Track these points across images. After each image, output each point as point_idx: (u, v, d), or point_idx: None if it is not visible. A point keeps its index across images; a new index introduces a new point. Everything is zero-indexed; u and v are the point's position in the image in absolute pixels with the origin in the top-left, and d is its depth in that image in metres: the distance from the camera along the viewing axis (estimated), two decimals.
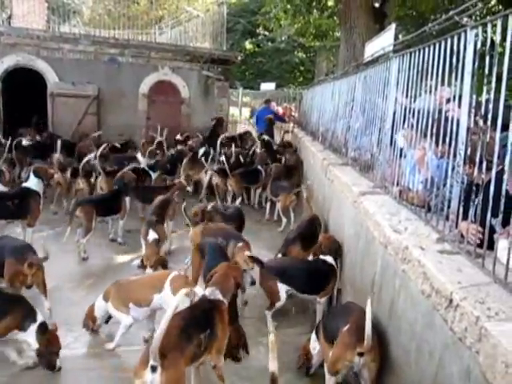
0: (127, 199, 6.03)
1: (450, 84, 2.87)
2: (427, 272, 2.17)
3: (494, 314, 1.72)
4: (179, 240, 5.99)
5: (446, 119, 2.72)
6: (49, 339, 3.17)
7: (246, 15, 23.37)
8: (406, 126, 3.53)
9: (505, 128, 2.10)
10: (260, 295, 4.18)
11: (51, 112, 11.05)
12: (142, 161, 8.01)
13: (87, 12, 22.42)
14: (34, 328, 3.13)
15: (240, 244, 4.29)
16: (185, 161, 8.15)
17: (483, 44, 2.33)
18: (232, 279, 3.00)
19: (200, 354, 2.63)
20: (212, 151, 8.97)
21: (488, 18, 2.29)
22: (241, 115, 18.40)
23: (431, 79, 3.00)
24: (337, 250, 4.14)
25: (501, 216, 2.04)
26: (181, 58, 12.03)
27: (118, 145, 9.48)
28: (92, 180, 7.07)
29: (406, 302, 2.46)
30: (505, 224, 2.10)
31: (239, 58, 13.69)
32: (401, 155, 3.67)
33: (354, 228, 3.78)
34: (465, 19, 2.50)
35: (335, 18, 13.03)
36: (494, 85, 2.13)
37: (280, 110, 13.41)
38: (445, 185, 2.79)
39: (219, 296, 2.84)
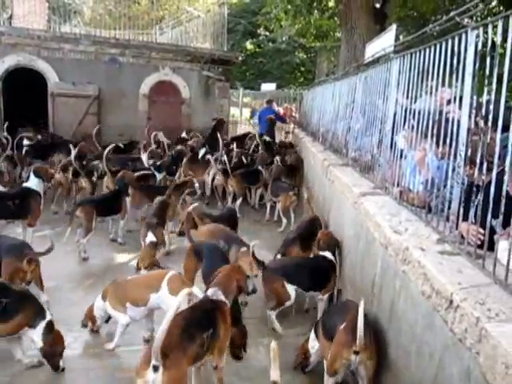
0: (127, 199, 6.03)
1: (450, 85, 2.87)
2: (427, 273, 2.17)
3: (494, 315, 1.72)
4: (179, 240, 5.99)
5: (447, 120, 2.72)
6: (53, 338, 3.17)
7: (246, 16, 23.37)
8: (406, 126, 3.53)
9: (505, 129, 2.11)
10: (260, 296, 4.17)
11: (52, 112, 11.07)
12: (147, 162, 8.00)
13: (88, 12, 22.41)
14: (42, 325, 3.12)
15: (244, 249, 4.27)
16: (184, 161, 8.16)
17: (484, 45, 2.32)
18: (235, 281, 2.99)
19: (203, 353, 2.62)
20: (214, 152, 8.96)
21: (489, 18, 2.29)
22: (241, 116, 18.40)
23: (432, 80, 3.00)
24: (335, 245, 4.19)
25: (501, 217, 2.04)
26: (181, 58, 12.04)
27: (121, 145, 9.46)
28: (94, 180, 7.08)
29: (407, 303, 2.46)
30: (505, 225, 2.10)
31: (240, 59, 13.71)
32: (401, 156, 3.67)
33: (355, 229, 3.78)
34: (466, 20, 2.50)
35: (336, 18, 13.03)
36: (494, 86, 2.13)
37: (281, 111, 13.42)
38: (445, 186, 2.79)
39: (221, 297, 2.84)
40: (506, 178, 2.04)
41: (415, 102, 3.43)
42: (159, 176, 7.49)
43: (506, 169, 2.05)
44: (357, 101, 5.26)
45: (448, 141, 2.66)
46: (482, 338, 1.66)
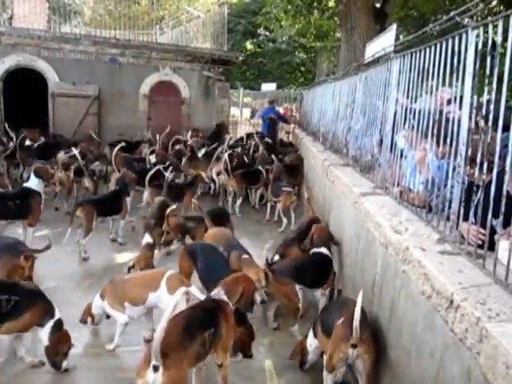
0: (128, 199, 6.03)
1: (450, 85, 2.87)
2: (428, 273, 2.17)
3: (494, 315, 1.72)
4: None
5: (447, 120, 2.72)
6: (59, 338, 3.15)
7: (246, 16, 23.36)
8: (406, 126, 3.53)
9: (506, 129, 2.10)
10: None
11: (52, 112, 11.07)
12: (153, 162, 7.97)
13: (88, 12, 22.43)
14: (50, 324, 3.11)
15: (245, 256, 4.20)
16: (184, 160, 8.16)
17: (484, 45, 2.32)
18: (241, 287, 2.96)
19: (204, 353, 2.61)
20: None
21: (489, 18, 2.29)
22: (241, 116, 18.40)
23: (432, 80, 3.00)
24: (329, 240, 4.25)
25: (501, 217, 2.04)
26: (181, 58, 12.04)
27: (130, 141, 9.50)
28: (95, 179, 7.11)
29: (407, 303, 2.46)
30: (505, 225, 2.10)
31: (240, 59, 13.71)
32: (401, 156, 3.67)
33: (355, 229, 3.78)
34: (466, 20, 2.50)
35: (336, 18, 13.03)
36: (495, 85, 2.13)
37: (281, 111, 13.43)
38: (445, 185, 2.79)
39: (224, 296, 2.83)
40: (506, 177, 2.04)
41: (415, 101, 3.43)
42: (169, 175, 7.48)
43: (507, 168, 2.05)
44: (357, 101, 5.26)
45: (448, 140, 2.66)
46: (483, 337, 1.65)
